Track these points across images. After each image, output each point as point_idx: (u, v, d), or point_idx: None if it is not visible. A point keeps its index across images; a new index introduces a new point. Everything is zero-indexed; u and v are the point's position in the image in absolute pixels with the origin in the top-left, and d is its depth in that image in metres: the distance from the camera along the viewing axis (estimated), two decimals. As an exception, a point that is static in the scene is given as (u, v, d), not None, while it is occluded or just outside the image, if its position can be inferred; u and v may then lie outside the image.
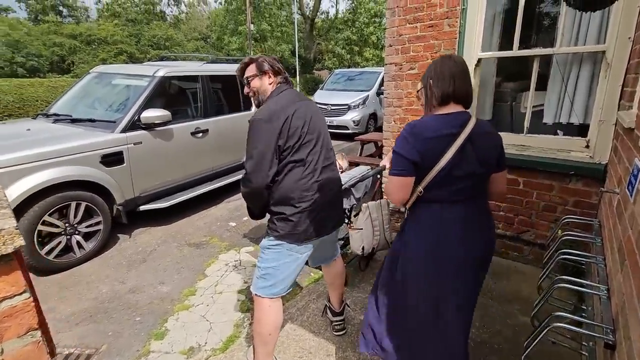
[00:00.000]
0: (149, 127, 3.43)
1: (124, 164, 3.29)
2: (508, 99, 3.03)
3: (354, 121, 8.47)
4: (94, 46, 21.13)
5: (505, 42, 2.75)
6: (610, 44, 2.26)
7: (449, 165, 1.28)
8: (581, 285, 1.60)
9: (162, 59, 5.08)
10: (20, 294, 0.73)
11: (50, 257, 2.88)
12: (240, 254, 3.26)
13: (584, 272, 2.22)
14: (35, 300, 0.81)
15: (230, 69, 4.63)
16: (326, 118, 8.69)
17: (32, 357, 0.75)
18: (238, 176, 4.37)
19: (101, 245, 3.24)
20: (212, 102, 4.23)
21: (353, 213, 2.83)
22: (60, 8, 27.14)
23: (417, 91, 1.51)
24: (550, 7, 2.77)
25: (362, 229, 2.58)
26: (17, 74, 17.01)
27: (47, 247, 2.86)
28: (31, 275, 2.84)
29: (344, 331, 2.13)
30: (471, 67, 2.81)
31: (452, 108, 1.36)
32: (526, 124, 2.74)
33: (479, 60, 2.80)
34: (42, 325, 0.83)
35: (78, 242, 3.06)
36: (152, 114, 3.38)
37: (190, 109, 4.15)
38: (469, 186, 1.34)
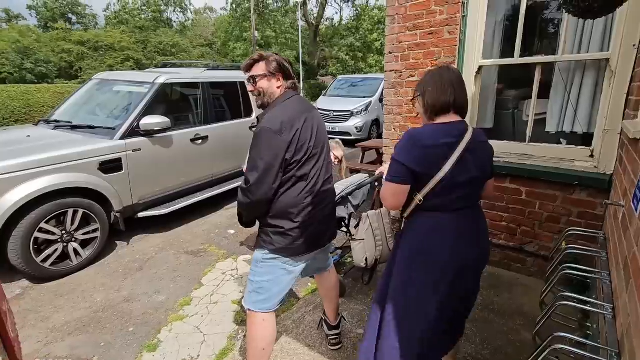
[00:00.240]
0: (148, 133, 3.43)
1: (123, 171, 3.28)
2: (510, 106, 2.98)
3: (356, 127, 8.44)
4: (101, 52, 21.44)
5: (507, 50, 2.71)
6: (614, 51, 2.20)
7: (449, 175, 1.28)
8: (585, 302, 1.53)
9: (164, 65, 5.10)
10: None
11: (46, 265, 2.86)
12: (237, 262, 3.21)
13: (589, 286, 2.14)
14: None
15: (231, 75, 4.64)
16: (328, 124, 8.70)
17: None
18: (237, 183, 4.34)
19: (98, 252, 3.21)
20: (212, 109, 4.23)
21: (352, 222, 2.78)
22: (70, 15, 27.69)
23: (412, 99, 1.51)
24: (552, 14, 2.73)
25: (363, 239, 2.50)
26: (25, 80, 17.29)
27: (43, 255, 2.84)
28: (26, 282, 2.86)
29: (339, 345, 2.08)
30: (472, 75, 2.76)
31: (451, 117, 1.37)
32: (528, 132, 2.68)
33: (480, 68, 2.76)
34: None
35: (75, 250, 3.04)
36: (152, 120, 3.37)
37: (190, 115, 4.15)
38: (466, 195, 1.37)
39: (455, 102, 1.35)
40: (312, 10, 27.19)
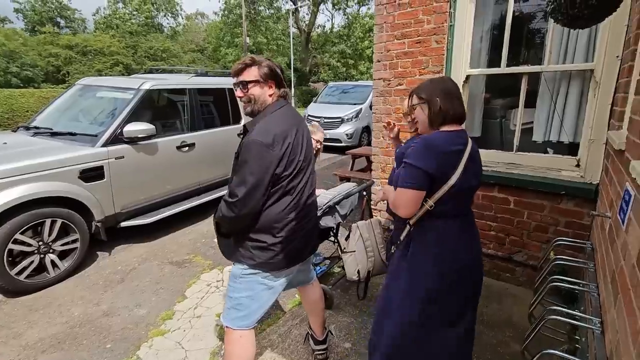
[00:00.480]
0: (132, 141, 3.34)
1: (105, 179, 3.18)
2: (497, 116, 2.99)
3: (347, 134, 8.44)
4: (90, 57, 21.17)
5: (494, 59, 2.72)
6: (598, 62, 2.22)
7: (458, 182, 1.33)
8: (573, 317, 1.51)
9: (150, 71, 5.02)
10: None
11: (21, 278, 2.73)
12: (223, 273, 3.13)
13: (577, 297, 2.13)
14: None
15: (219, 82, 4.58)
16: (319, 131, 8.68)
17: None
18: (225, 191, 4.26)
19: (77, 264, 3.09)
20: (199, 116, 4.16)
21: (340, 232, 2.73)
22: (58, 19, 27.35)
23: (412, 107, 1.51)
24: (538, 24, 2.76)
25: (354, 251, 2.45)
26: (10, 84, 16.94)
27: (19, 267, 2.71)
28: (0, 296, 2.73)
29: (326, 361, 2.01)
30: (460, 84, 2.76)
31: (455, 126, 1.43)
32: (516, 141, 2.69)
33: (468, 77, 2.76)
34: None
35: (52, 261, 2.91)
36: (136, 127, 3.29)
37: (177, 122, 4.07)
38: (466, 200, 1.46)
39: (464, 112, 1.43)
40: (304, 17, 27.40)
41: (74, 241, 3.03)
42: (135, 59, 23.16)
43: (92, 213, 3.11)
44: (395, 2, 2.90)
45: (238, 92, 1.52)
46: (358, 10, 26.54)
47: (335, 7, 26.41)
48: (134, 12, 28.05)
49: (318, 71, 28.21)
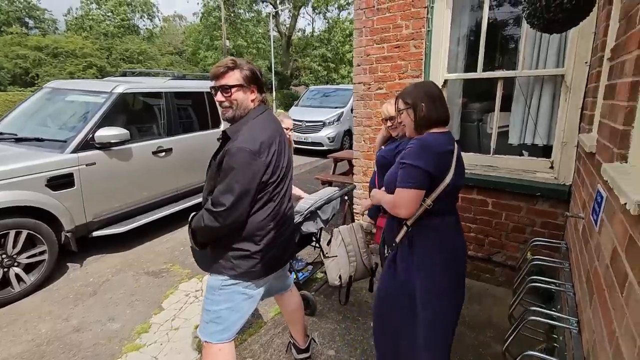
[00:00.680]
0: (105, 146, 3.20)
1: (75, 187, 3.03)
2: (474, 119, 3.06)
3: (328, 138, 8.45)
4: (61, 59, 20.34)
5: (471, 64, 2.78)
6: (568, 67, 2.30)
7: (452, 180, 1.41)
8: (551, 317, 1.54)
9: (124, 74, 4.85)
10: None
11: (-18, 294, 2.55)
12: (202, 282, 3.03)
13: (554, 295, 2.18)
14: None
15: (197, 85, 4.48)
16: (301, 134, 8.66)
17: None
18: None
19: (45, 277, 2.92)
20: (176, 120, 4.04)
21: (323, 237, 2.70)
22: (26, 19, 26.17)
23: (399, 111, 1.54)
24: (512, 31, 2.85)
25: (336, 256, 2.43)
26: (-27, 87, 16.02)
27: (-22, 283, 2.54)
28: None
29: (309, 370, 1.97)
30: (438, 88, 2.80)
31: (442, 128, 1.49)
32: (493, 144, 2.75)
33: (445, 82, 2.81)
34: None
35: (17, 275, 2.74)
36: (108, 132, 3.15)
37: (153, 127, 3.94)
38: (456, 198, 1.54)
39: (448, 115, 1.51)
40: (285, 21, 27.39)
41: (42, 253, 2.87)
42: (110, 61, 22.44)
43: (61, 223, 2.95)
44: (374, 7, 2.91)
45: (219, 97, 1.43)
46: (338, 15, 26.80)
47: (316, 11, 26.55)
48: (109, 14, 27.22)
49: (299, 75, 28.22)
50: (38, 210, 2.79)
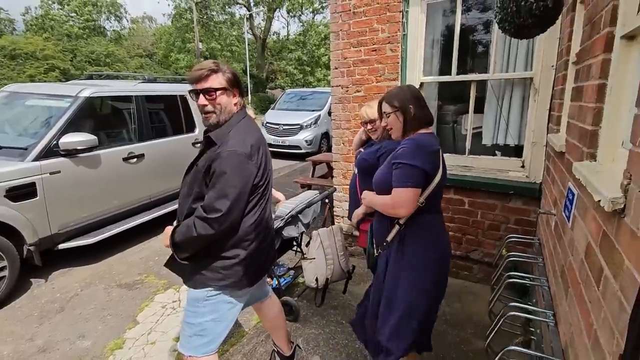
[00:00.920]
0: (70, 153, 3.02)
1: (37, 197, 2.83)
2: (450, 121, 3.14)
3: (306, 141, 8.43)
4: (19, 61, 19.14)
5: (445, 67, 2.85)
6: (536, 71, 2.41)
7: (442, 178, 1.48)
8: (529, 311, 1.60)
9: (91, 77, 4.61)
10: None
11: None
12: (179, 292, 2.91)
13: (529, 289, 2.27)
14: None
15: (170, 88, 4.34)
16: (278, 138, 8.59)
17: None
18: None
19: (6, 294, 2.71)
20: (148, 125, 3.88)
21: (304, 242, 2.67)
22: (-21, 19, 24.52)
23: (386, 114, 1.56)
24: (483, 35, 2.95)
25: (314, 258, 2.43)
26: None
27: None
28: None
29: (295, 378, 1.93)
30: (414, 91, 2.85)
31: (429, 129, 1.55)
32: (468, 145, 2.83)
33: (422, 84, 2.87)
34: None
35: (-27, 294, 2.53)
36: (74, 139, 2.98)
37: (123, 132, 3.76)
38: (441, 196, 1.58)
39: (432, 116, 1.57)
40: (260, 23, 27.20)
41: (1, 269, 2.66)
42: (75, 63, 21.35)
43: (23, 236, 2.75)
44: (350, 10, 2.93)
45: (202, 101, 1.35)
46: (313, 18, 26.93)
47: (290, 14, 26.55)
48: (72, 14, 25.95)
49: (275, 78, 28.08)
50: (-4, 223, 2.59)
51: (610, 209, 0.84)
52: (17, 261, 2.75)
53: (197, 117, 4.46)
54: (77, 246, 3.14)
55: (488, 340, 1.64)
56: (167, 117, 4.29)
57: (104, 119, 3.69)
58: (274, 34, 29.65)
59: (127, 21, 31.46)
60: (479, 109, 2.78)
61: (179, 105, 4.32)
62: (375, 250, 1.64)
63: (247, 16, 24.93)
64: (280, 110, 9.64)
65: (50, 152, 2.93)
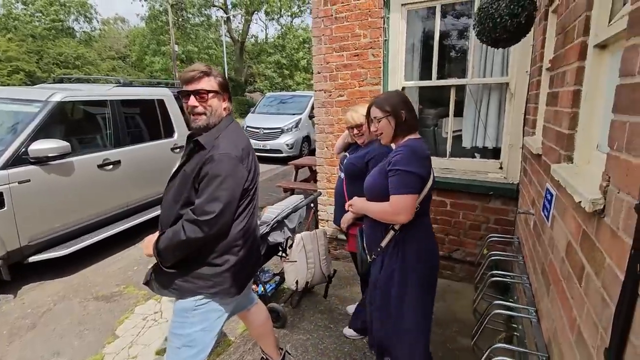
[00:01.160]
0: (41, 161, 2.86)
1: (5, 208, 2.67)
2: (431, 124, 3.22)
3: (287, 144, 8.40)
4: (-20, 63, 18.08)
5: (426, 72, 2.92)
6: (512, 76, 2.51)
7: (433, 182, 1.52)
8: (511, 308, 1.65)
9: (61, 80, 4.41)
10: None
11: None
12: (161, 303, 2.82)
13: (509, 287, 2.35)
14: None
15: (147, 92, 4.21)
16: (259, 142, 8.51)
17: None
18: (158, 211, 3.90)
19: (-30, 313, 2.53)
20: (124, 130, 3.75)
21: (289, 245, 2.65)
22: None
23: (377, 119, 1.56)
24: (462, 42, 3.05)
25: (296, 261, 2.44)
26: None
27: None
28: None
29: (285, 386, 1.91)
30: (396, 95, 2.91)
31: (417, 134, 1.58)
32: (448, 148, 2.90)
33: (403, 89, 2.92)
34: None
35: None
36: (44, 145, 2.83)
37: (97, 138, 3.61)
38: (431, 199, 1.62)
39: (418, 121, 1.60)
40: (238, 26, 26.93)
41: (-36, 286, 2.48)
42: (41, 66, 20.39)
43: (-11, 249, 2.59)
44: (332, 15, 2.96)
45: (192, 101, 1.35)
46: (291, 22, 26.96)
47: (269, 17, 26.46)
48: (37, 14, 24.76)
49: (254, 81, 27.85)
50: (-41, 236, 2.42)
51: (591, 209, 0.88)
52: (-18, 277, 2.57)
53: (176, 121, 4.35)
54: (49, 258, 2.98)
55: (474, 339, 1.69)
56: (144, 122, 4.15)
57: (76, 125, 3.53)
58: (252, 37, 29.48)
59: (98, 22, 30.36)
60: (459, 112, 2.87)
61: (157, 110, 4.20)
62: (368, 256, 1.64)
63: (225, 19, 24.65)
64: (260, 114, 9.57)
65: (19, 159, 2.77)
